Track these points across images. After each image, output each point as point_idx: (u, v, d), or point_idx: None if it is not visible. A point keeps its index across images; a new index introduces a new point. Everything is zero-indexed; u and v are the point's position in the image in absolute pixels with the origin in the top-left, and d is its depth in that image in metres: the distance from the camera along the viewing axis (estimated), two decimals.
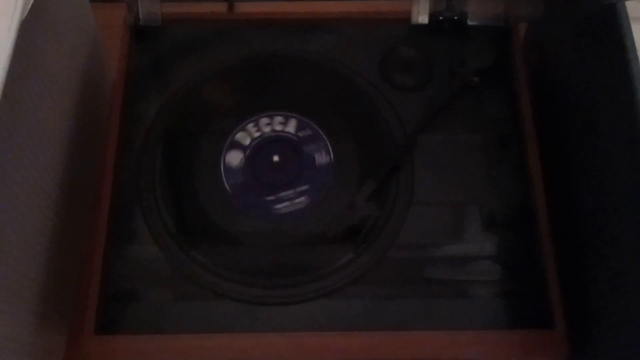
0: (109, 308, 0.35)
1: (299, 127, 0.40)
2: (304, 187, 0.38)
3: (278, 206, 0.38)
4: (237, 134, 0.40)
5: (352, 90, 0.41)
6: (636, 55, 0.30)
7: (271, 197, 0.38)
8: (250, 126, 0.40)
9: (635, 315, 0.30)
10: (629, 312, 0.30)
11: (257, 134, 0.40)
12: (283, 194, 0.38)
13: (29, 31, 0.29)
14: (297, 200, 0.38)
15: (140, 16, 0.42)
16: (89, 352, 0.34)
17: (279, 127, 0.40)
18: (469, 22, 0.42)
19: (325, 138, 0.40)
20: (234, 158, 0.39)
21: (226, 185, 0.38)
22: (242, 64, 0.42)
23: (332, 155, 0.39)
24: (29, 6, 0.28)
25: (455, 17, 0.42)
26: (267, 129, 0.40)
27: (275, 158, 0.39)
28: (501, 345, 0.34)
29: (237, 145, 0.40)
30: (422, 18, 0.42)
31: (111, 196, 0.38)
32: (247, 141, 0.40)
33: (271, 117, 0.40)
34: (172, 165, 0.39)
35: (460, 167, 0.38)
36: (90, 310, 0.35)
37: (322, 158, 0.39)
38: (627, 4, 0.30)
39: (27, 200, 0.32)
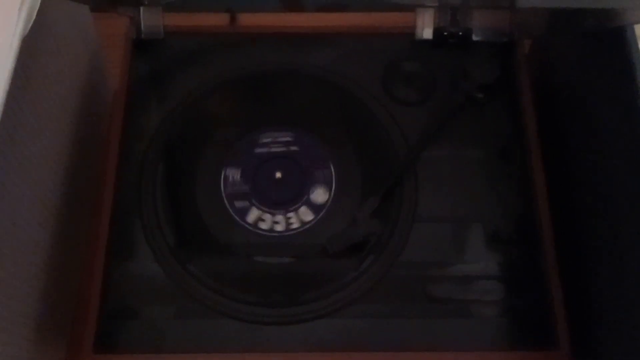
0: (108, 326, 0.34)
1: (301, 141, 0.40)
2: (306, 203, 0.38)
3: (280, 222, 0.37)
4: (238, 148, 0.40)
5: (354, 104, 0.41)
6: None
7: (273, 213, 0.38)
8: (252, 140, 0.40)
9: None
10: (635, 330, 0.30)
11: (258, 148, 0.40)
12: (284, 209, 0.38)
13: (30, 42, 0.29)
14: (299, 216, 0.38)
15: (142, 28, 0.42)
16: None
17: (280, 141, 0.40)
18: (474, 38, 0.42)
19: (327, 152, 0.39)
20: (235, 172, 0.39)
21: (227, 200, 0.38)
22: (244, 77, 0.42)
23: (333, 170, 0.39)
24: (30, 24, 0.27)
25: (460, 33, 0.41)
26: (269, 143, 0.40)
27: (277, 173, 0.39)
28: None
29: (239, 159, 0.39)
30: (427, 33, 0.42)
31: (111, 210, 0.37)
32: (248, 155, 0.39)
33: (273, 131, 0.40)
34: (173, 179, 0.39)
35: (463, 183, 0.38)
36: (88, 328, 0.34)
37: (323, 173, 0.39)
38: (636, 26, 0.30)
39: (26, 213, 0.32)
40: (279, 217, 0.38)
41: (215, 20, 0.43)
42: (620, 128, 0.32)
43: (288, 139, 0.40)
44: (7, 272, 0.30)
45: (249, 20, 0.43)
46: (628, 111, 0.30)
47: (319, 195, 0.38)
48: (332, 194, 0.38)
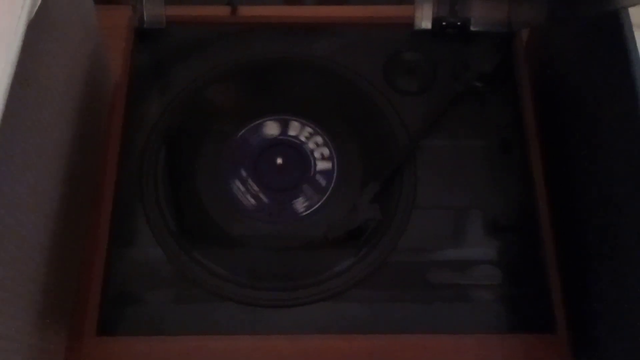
0: (110, 309, 0.35)
1: (302, 130, 0.40)
2: (307, 190, 0.38)
3: (281, 209, 0.38)
4: (240, 136, 0.40)
5: (355, 93, 0.41)
6: (639, 62, 0.30)
7: (274, 200, 0.38)
8: (253, 128, 0.40)
9: (637, 318, 0.30)
10: (631, 316, 0.30)
11: (259, 136, 0.40)
12: (286, 196, 0.38)
13: (33, 32, 0.29)
14: (300, 202, 0.38)
15: (145, 18, 0.43)
16: (89, 354, 0.34)
17: (282, 130, 0.40)
18: (472, 28, 0.42)
19: (329, 141, 0.40)
20: (236, 160, 0.39)
21: (228, 187, 0.38)
22: (246, 66, 0.42)
23: (335, 159, 0.39)
24: (36, 8, 0.28)
25: (459, 23, 0.42)
26: (270, 132, 0.40)
27: (279, 161, 0.39)
28: (503, 349, 0.34)
29: (240, 148, 0.40)
30: (426, 23, 0.42)
31: (113, 197, 0.38)
32: (250, 144, 0.40)
33: (275, 120, 0.41)
34: (174, 167, 0.39)
35: (463, 171, 0.39)
36: (91, 312, 0.35)
37: (325, 161, 0.39)
38: (631, 10, 0.30)
39: (29, 200, 0.32)
40: (280, 204, 0.38)
41: (217, 11, 0.44)
42: (618, 116, 0.32)
43: (289, 127, 0.40)
44: (11, 257, 0.31)
45: (250, 11, 0.44)
46: (626, 99, 0.30)
47: (320, 182, 0.39)
48: (333, 181, 0.39)
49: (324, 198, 0.38)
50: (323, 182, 0.39)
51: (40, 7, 0.29)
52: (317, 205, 0.38)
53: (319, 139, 0.40)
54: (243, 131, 0.40)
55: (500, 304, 0.35)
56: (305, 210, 0.38)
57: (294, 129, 0.40)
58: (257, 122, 0.40)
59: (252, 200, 0.38)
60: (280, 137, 0.40)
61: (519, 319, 0.35)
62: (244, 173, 0.39)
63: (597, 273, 0.34)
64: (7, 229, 0.30)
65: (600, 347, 0.34)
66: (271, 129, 0.40)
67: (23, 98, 0.30)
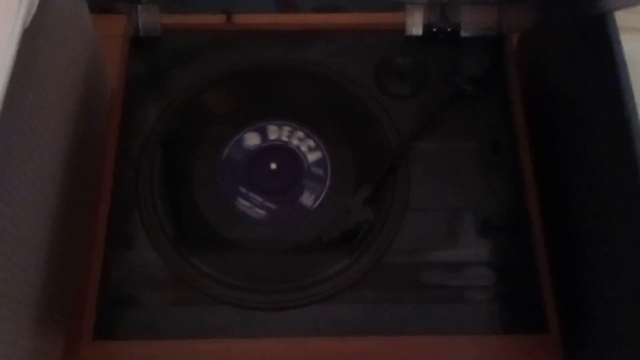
0: (107, 313, 0.35)
1: (296, 134, 0.41)
2: (301, 193, 0.39)
3: (275, 212, 0.38)
4: (234, 141, 0.41)
5: (347, 98, 0.42)
6: (625, 64, 0.30)
7: (268, 203, 0.38)
8: (248, 133, 0.41)
9: (630, 318, 0.30)
10: (623, 315, 0.31)
11: (254, 141, 0.41)
12: (279, 199, 0.39)
13: (30, 40, 0.29)
14: (294, 206, 0.38)
15: (140, 26, 0.43)
16: (87, 357, 0.34)
17: (276, 135, 0.41)
18: (463, 33, 0.43)
19: (322, 145, 0.40)
20: (232, 164, 0.40)
21: (224, 191, 0.39)
22: (240, 73, 0.43)
23: (328, 162, 0.40)
24: (31, 17, 0.28)
25: (449, 29, 0.43)
26: (264, 137, 0.41)
27: (272, 165, 0.40)
28: (496, 349, 0.34)
29: (235, 152, 0.40)
30: (416, 29, 0.43)
31: (110, 202, 0.38)
32: (244, 148, 0.40)
33: (268, 124, 0.41)
34: (171, 172, 0.40)
35: (455, 173, 0.39)
36: (88, 315, 0.35)
37: (318, 164, 0.40)
38: (617, 14, 0.31)
39: (26, 205, 0.33)
40: (275, 207, 0.38)
41: (212, 19, 0.44)
42: (606, 116, 0.33)
43: (283, 131, 0.41)
44: (8, 261, 0.31)
45: (245, 19, 0.44)
46: (613, 100, 0.31)
47: (314, 185, 0.39)
48: (327, 185, 0.39)
49: (318, 201, 0.38)
50: (316, 185, 0.39)
51: (36, 16, 0.29)
52: (311, 208, 0.38)
53: (312, 143, 0.40)
54: (237, 136, 0.41)
55: (494, 304, 0.35)
56: (299, 213, 0.38)
57: (287, 133, 0.41)
58: (252, 127, 0.41)
59: (247, 204, 0.38)
60: (274, 142, 0.40)
61: (512, 320, 0.35)
62: (238, 178, 0.39)
63: (589, 273, 0.35)
64: (4, 233, 0.30)
65: (592, 347, 0.34)
66: (265, 133, 0.41)
67: (20, 105, 0.31)
